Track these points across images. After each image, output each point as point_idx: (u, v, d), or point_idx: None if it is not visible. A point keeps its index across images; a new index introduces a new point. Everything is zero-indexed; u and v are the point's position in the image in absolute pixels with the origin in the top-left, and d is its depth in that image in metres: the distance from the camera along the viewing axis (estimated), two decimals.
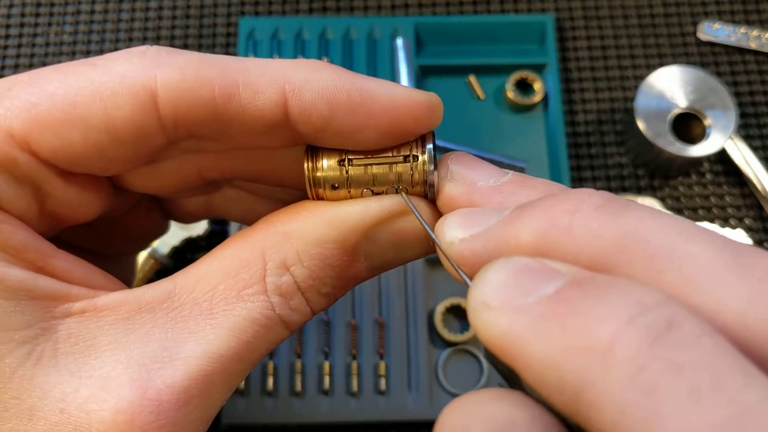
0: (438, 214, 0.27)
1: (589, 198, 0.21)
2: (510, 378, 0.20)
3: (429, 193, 0.27)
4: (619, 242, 0.19)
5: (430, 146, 0.27)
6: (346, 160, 0.27)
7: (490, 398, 0.19)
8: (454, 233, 0.23)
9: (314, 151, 0.27)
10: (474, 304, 0.19)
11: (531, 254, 0.20)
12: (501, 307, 0.19)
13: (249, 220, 0.28)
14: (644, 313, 0.17)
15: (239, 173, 0.31)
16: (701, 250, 0.18)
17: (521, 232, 0.21)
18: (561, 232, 0.20)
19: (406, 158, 0.27)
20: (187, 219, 0.37)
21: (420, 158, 0.26)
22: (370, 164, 0.27)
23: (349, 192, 0.27)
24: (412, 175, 0.27)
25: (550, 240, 0.20)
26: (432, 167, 0.26)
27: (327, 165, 0.27)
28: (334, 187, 0.27)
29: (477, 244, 0.23)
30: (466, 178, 0.26)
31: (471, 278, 0.21)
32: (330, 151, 0.27)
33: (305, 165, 0.27)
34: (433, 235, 0.25)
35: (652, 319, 0.16)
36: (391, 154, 0.27)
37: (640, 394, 0.16)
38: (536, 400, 0.18)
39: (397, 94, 0.26)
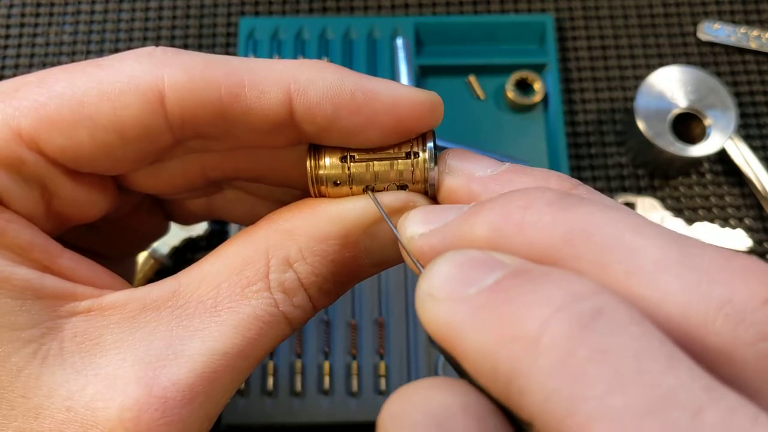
0: None
1: (543, 194, 0.21)
2: (457, 368, 0.20)
3: (430, 191, 0.27)
4: (567, 236, 0.20)
5: (430, 144, 0.27)
6: (348, 158, 0.27)
7: (427, 386, 0.19)
8: (414, 228, 0.24)
9: (317, 149, 0.27)
10: (421, 295, 0.20)
11: (484, 248, 0.21)
12: (444, 298, 0.19)
13: (250, 222, 0.29)
14: (575, 302, 0.17)
15: (242, 173, 0.31)
16: (647, 243, 0.19)
17: (476, 226, 0.21)
18: (513, 226, 0.21)
19: (407, 156, 0.27)
20: (188, 220, 0.37)
21: (421, 156, 0.27)
22: (372, 162, 0.27)
23: (350, 189, 0.27)
24: (413, 173, 0.27)
25: (502, 234, 0.21)
26: (432, 164, 0.27)
27: (329, 163, 0.27)
28: (336, 184, 0.27)
29: (435, 239, 0.23)
30: (463, 170, 0.26)
31: None
32: (332, 149, 0.27)
33: (308, 163, 0.27)
34: (395, 230, 0.25)
35: (582, 308, 0.17)
36: (392, 152, 0.27)
37: (565, 380, 0.16)
38: (478, 389, 0.19)
39: (400, 93, 0.26)
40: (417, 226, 0.24)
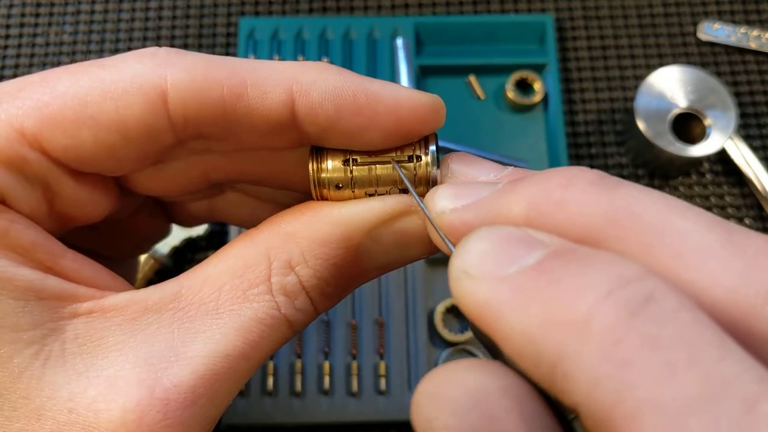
0: None
1: (583, 174, 0.21)
2: (491, 348, 0.20)
3: None
4: (611, 217, 0.19)
5: (432, 147, 0.27)
6: (351, 161, 0.27)
7: (465, 368, 0.19)
8: (444, 203, 0.23)
9: (319, 152, 0.27)
10: (455, 273, 0.19)
11: (521, 226, 0.20)
12: (481, 277, 0.19)
13: (251, 225, 0.29)
14: (623, 287, 0.17)
15: (244, 175, 0.31)
16: (693, 227, 0.19)
17: (513, 203, 0.21)
18: (553, 204, 0.20)
19: (409, 158, 0.27)
20: (190, 222, 0.37)
21: (423, 159, 0.27)
22: (374, 165, 0.27)
23: (353, 192, 0.27)
24: (415, 175, 0.27)
25: (541, 212, 0.20)
26: (435, 167, 0.27)
27: (332, 166, 0.27)
28: (338, 187, 0.27)
29: (468, 215, 0.23)
30: (466, 175, 0.26)
31: None
32: (334, 151, 0.27)
33: (310, 166, 0.27)
34: (422, 205, 0.25)
35: (631, 293, 0.17)
36: (394, 155, 0.27)
37: (615, 367, 0.16)
38: (516, 371, 0.19)
39: (402, 95, 0.26)
40: (447, 201, 0.23)
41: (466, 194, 0.23)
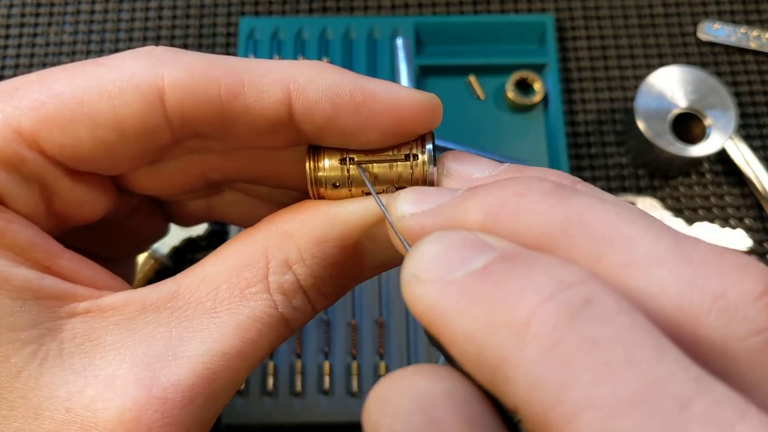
0: None
1: (539, 183, 0.21)
2: (444, 352, 0.20)
3: None
4: (563, 226, 0.20)
5: (429, 146, 0.27)
6: (348, 160, 0.27)
7: (412, 373, 0.19)
8: (405, 207, 0.24)
9: (316, 150, 0.27)
10: (406, 276, 0.20)
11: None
12: (430, 280, 0.19)
13: (250, 224, 0.29)
14: (564, 290, 0.17)
15: (242, 174, 0.31)
16: (642, 235, 0.19)
17: (470, 210, 0.21)
18: (507, 213, 0.20)
19: (406, 157, 0.27)
20: (188, 222, 0.37)
21: (420, 158, 0.27)
22: (371, 163, 0.27)
23: (350, 191, 0.27)
24: (411, 174, 0.27)
25: (497, 220, 0.21)
26: (431, 166, 0.27)
27: (329, 164, 0.27)
28: (335, 186, 0.27)
29: (427, 220, 0.23)
30: (462, 172, 0.26)
31: None
32: (331, 150, 0.27)
33: (307, 165, 0.27)
34: (383, 208, 0.25)
35: (571, 297, 0.17)
36: (391, 154, 0.27)
37: (553, 369, 0.16)
38: (465, 375, 0.19)
39: (399, 94, 0.26)
40: (408, 206, 0.23)
41: (427, 200, 0.23)
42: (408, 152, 0.27)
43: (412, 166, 0.27)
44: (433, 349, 0.53)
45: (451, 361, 0.20)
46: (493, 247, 0.19)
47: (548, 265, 0.18)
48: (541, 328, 0.16)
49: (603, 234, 0.19)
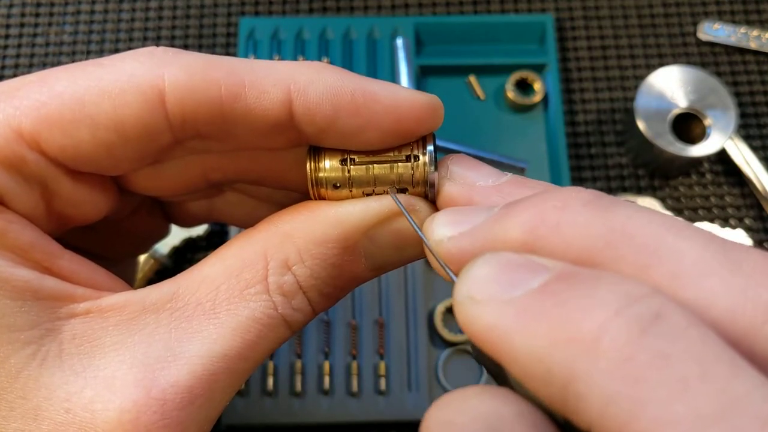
0: None
1: (578, 195, 0.21)
2: (497, 374, 0.20)
3: (429, 194, 0.27)
4: (607, 238, 0.19)
5: (430, 147, 0.27)
6: (348, 160, 0.27)
7: (476, 394, 0.18)
8: (442, 231, 0.23)
9: (317, 151, 0.27)
10: (460, 298, 0.19)
11: (519, 250, 0.20)
12: (487, 301, 0.19)
13: (250, 225, 0.29)
14: (631, 305, 0.17)
15: (243, 175, 0.31)
16: (689, 245, 0.19)
17: (509, 228, 0.21)
18: (549, 228, 0.20)
19: (407, 158, 0.27)
20: (188, 223, 0.37)
21: (421, 159, 0.27)
22: (372, 164, 0.27)
23: (350, 192, 0.27)
24: (412, 175, 0.27)
25: (538, 236, 0.20)
26: (432, 168, 0.27)
27: (329, 165, 0.27)
28: (335, 187, 0.27)
29: (465, 242, 0.22)
30: (465, 178, 0.26)
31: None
32: (332, 151, 0.27)
33: (308, 165, 0.27)
34: (421, 234, 0.25)
35: (639, 311, 0.16)
36: (392, 155, 0.27)
37: (627, 384, 0.16)
38: (523, 397, 0.18)
39: (400, 95, 0.26)
40: (445, 229, 0.23)
41: (462, 221, 0.23)
42: (409, 153, 0.27)
43: (413, 167, 0.27)
44: (433, 348, 0.53)
45: (505, 384, 0.19)
46: (547, 268, 0.19)
47: (611, 281, 0.18)
48: (612, 342, 0.16)
49: (648, 245, 0.19)
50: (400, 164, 0.27)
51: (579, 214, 0.20)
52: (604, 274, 0.18)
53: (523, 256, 0.20)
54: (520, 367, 0.18)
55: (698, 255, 0.18)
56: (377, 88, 0.26)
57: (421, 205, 0.27)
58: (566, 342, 0.17)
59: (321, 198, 0.28)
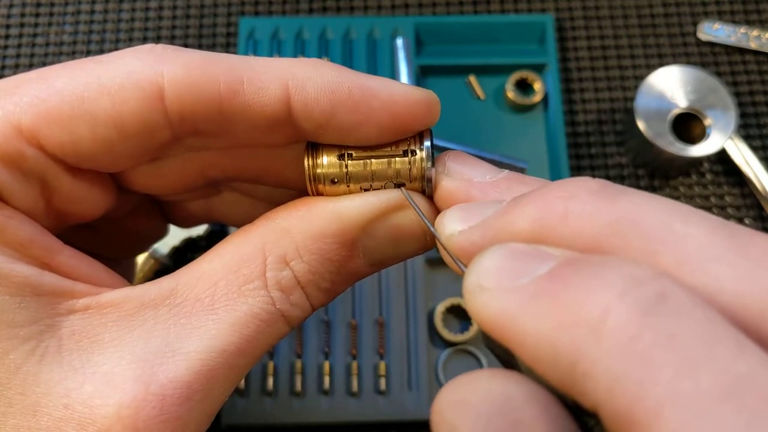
0: (435, 209, 0.27)
1: (585, 184, 0.21)
2: (507, 362, 0.20)
3: (426, 189, 0.27)
4: (614, 226, 0.19)
5: (427, 143, 0.27)
6: (346, 156, 0.27)
7: (488, 376, 0.19)
8: (453, 226, 0.24)
9: (314, 147, 0.28)
10: (469, 287, 0.20)
11: (527, 241, 0.21)
12: (495, 288, 0.19)
13: None
14: (636, 286, 0.17)
15: (241, 173, 0.31)
16: (696, 231, 0.19)
17: (517, 220, 0.21)
18: (556, 218, 0.20)
19: (404, 154, 0.27)
20: (187, 223, 0.38)
21: (418, 154, 0.27)
22: (370, 160, 0.27)
23: (348, 187, 0.27)
24: (410, 171, 0.27)
25: (545, 226, 0.21)
26: (430, 163, 0.27)
27: (327, 161, 0.27)
28: (333, 182, 0.27)
29: (475, 235, 0.23)
30: (462, 174, 0.26)
31: None
32: (330, 147, 0.27)
33: (305, 162, 0.27)
34: (433, 229, 0.25)
35: (645, 292, 0.17)
36: (389, 150, 0.27)
37: (633, 363, 0.16)
38: (533, 380, 0.19)
39: (397, 90, 0.26)
40: (455, 224, 0.24)
41: (472, 215, 0.23)
42: (406, 148, 0.27)
43: (410, 162, 0.27)
44: (433, 348, 0.53)
45: (513, 368, 0.19)
46: (553, 256, 0.19)
47: (616, 265, 0.18)
48: (616, 322, 0.16)
49: (655, 232, 0.19)
50: (397, 159, 0.27)
51: (586, 203, 0.20)
52: (609, 258, 0.18)
53: (530, 245, 0.20)
54: (528, 351, 0.18)
55: (705, 240, 0.18)
56: (374, 83, 0.26)
57: (418, 200, 0.27)
58: (572, 324, 0.17)
59: (319, 194, 0.28)
